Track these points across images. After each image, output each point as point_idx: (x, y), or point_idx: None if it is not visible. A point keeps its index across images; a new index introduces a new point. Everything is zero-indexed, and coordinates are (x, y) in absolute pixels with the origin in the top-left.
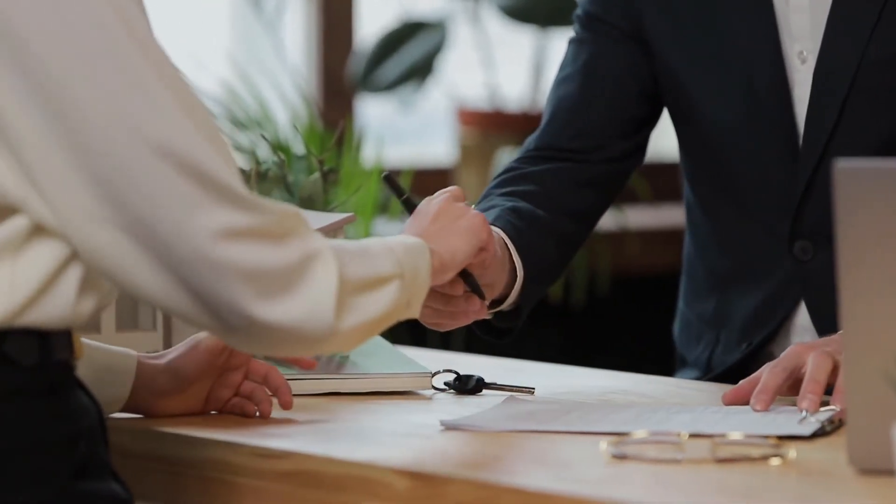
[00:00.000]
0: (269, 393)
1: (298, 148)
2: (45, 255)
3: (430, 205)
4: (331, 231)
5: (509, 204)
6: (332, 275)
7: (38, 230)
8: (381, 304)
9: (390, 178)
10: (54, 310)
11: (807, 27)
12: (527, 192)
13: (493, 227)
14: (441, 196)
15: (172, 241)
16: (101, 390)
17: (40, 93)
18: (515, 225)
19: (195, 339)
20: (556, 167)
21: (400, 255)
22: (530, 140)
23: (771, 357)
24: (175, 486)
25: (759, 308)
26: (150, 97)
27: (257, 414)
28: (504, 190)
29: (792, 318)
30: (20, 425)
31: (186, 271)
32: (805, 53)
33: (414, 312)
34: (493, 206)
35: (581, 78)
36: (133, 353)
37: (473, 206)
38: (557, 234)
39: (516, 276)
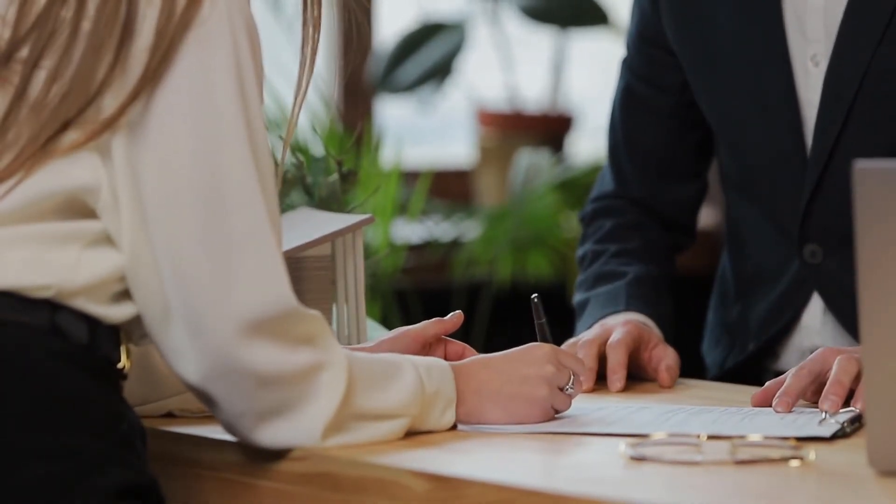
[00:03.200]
0: None
1: (317, 149)
2: (109, 259)
3: (528, 352)
4: (349, 232)
5: (631, 275)
6: (336, 395)
7: (108, 239)
8: (376, 434)
9: (536, 305)
10: (102, 307)
11: (821, 31)
12: (636, 250)
13: (637, 318)
14: (548, 352)
15: (206, 320)
16: None
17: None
18: (649, 303)
19: (401, 329)
20: (645, 218)
21: (423, 400)
22: (606, 180)
23: (776, 357)
24: (194, 488)
25: (770, 310)
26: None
27: None
28: (614, 248)
29: (799, 319)
30: (72, 387)
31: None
32: (818, 57)
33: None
34: (615, 276)
35: (633, 122)
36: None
37: (582, 259)
38: (670, 282)
39: None
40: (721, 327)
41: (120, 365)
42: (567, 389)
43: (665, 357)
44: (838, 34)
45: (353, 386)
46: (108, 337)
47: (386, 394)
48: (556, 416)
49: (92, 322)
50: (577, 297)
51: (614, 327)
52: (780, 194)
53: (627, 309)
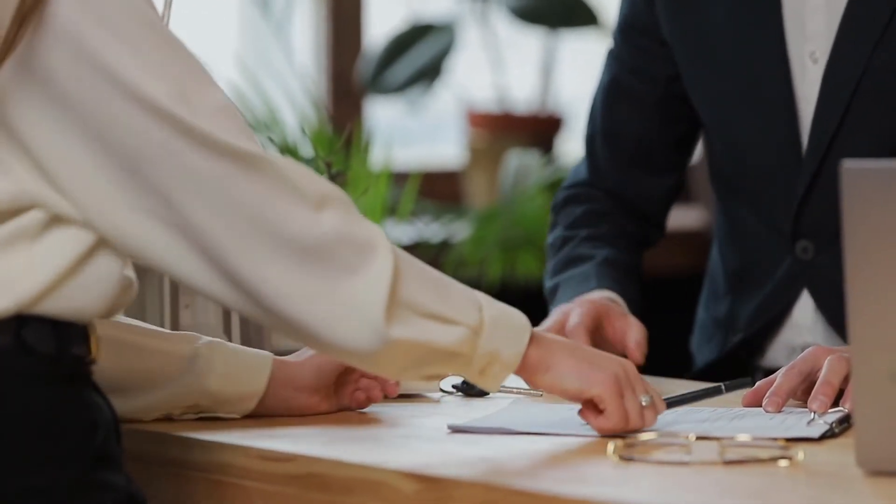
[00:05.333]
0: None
1: (307, 150)
2: (64, 243)
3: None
4: None
5: (601, 256)
6: (386, 272)
7: (56, 220)
8: (439, 336)
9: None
10: (72, 300)
11: (821, 28)
12: (606, 235)
13: (609, 294)
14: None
15: (204, 224)
16: (236, 387)
17: (46, 92)
18: (620, 282)
19: None
20: (617, 208)
21: (484, 317)
22: (580, 169)
23: (763, 353)
24: (182, 489)
25: (760, 305)
26: (157, 65)
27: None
28: (584, 233)
29: (789, 315)
30: (40, 410)
31: (219, 254)
32: (817, 54)
33: (486, 385)
34: (585, 258)
35: (614, 112)
36: (268, 353)
37: (552, 245)
38: (638, 269)
39: None
40: (711, 324)
41: (90, 358)
42: (643, 400)
43: (629, 330)
44: (838, 31)
45: (401, 273)
46: (77, 335)
47: (439, 295)
48: (541, 416)
49: (59, 326)
50: (548, 284)
51: (571, 310)
52: (773, 190)
53: (599, 287)
